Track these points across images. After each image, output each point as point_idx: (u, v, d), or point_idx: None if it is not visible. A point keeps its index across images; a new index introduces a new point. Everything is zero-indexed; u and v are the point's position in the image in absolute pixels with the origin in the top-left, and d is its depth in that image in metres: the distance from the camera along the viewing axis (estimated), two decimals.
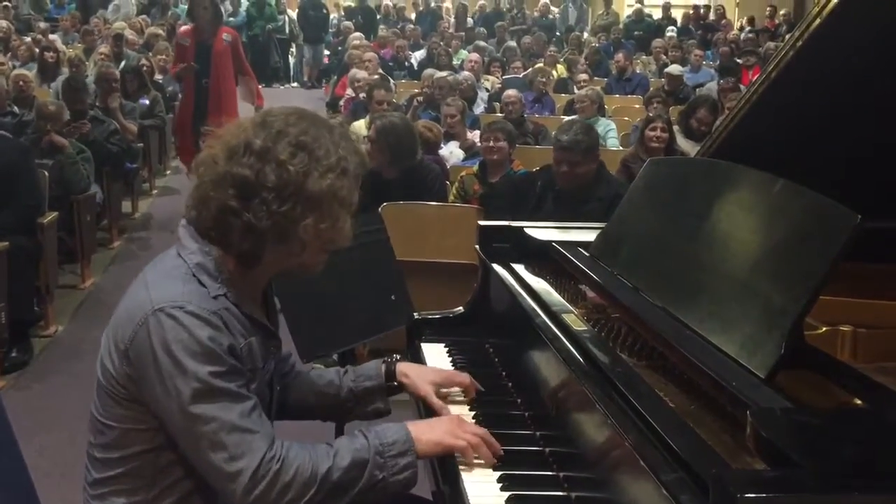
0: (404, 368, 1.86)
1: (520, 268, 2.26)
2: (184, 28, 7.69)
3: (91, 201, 5.55)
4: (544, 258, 2.25)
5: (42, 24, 11.80)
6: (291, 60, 15.26)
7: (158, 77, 8.87)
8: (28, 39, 10.37)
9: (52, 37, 10.70)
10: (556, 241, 2.24)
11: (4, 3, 12.79)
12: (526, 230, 2.42)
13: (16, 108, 6.32)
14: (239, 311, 1.52)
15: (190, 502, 1.54)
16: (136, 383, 1.47)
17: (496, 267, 2.30)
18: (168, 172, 8.69)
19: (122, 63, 9.08)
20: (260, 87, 16.19)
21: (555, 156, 4.00)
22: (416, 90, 8.16)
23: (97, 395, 1.55)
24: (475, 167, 4.91)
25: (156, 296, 1.46)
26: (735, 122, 1.99)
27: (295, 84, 14.97)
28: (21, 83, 6.88)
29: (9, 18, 11.79)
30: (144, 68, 8.23)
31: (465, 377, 1.90)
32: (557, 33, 14.24)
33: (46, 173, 4.86)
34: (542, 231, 2.42)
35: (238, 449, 1.43)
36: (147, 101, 7.95)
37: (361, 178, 1.57)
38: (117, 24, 11.62)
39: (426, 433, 1.59)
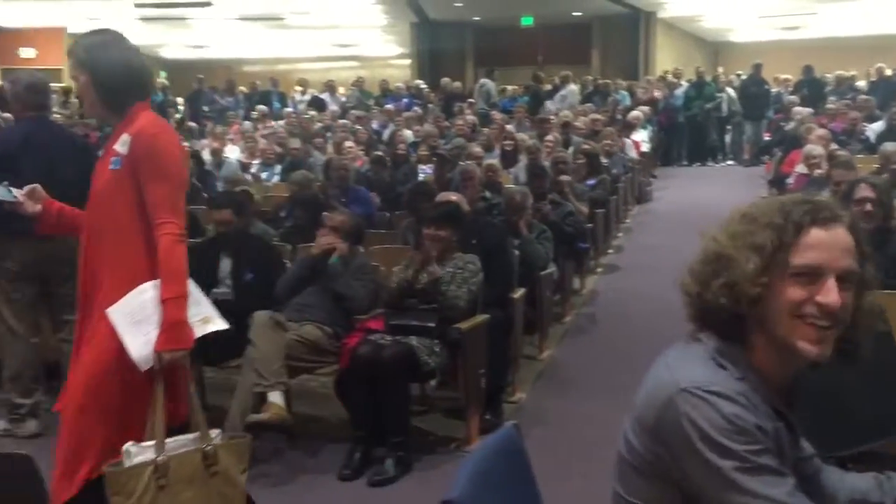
0: None
1: None
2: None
3: (550, 278, 5.95)
4: None
5: (498, 116, 13.15)
6: (727, 138, 15.09)
7: (605, 160, 9.34)
8: (486, 130, 11.64)
9: (508, 127, 11.85)
10: None
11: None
12: None
13: (487, 193, 7.07)
14: (760, 397, 1.50)
15: None
16: (667, 462, 1.50)
17: None
18: (610, 251, 9.00)
19: (570, 148, 9.76)
20: (695, 164, 16.10)
21: None
22: (876, 165, 7.46)
23: (619, 470, 1.60)
24: None
25: (679, 377, 1.50)
26: None
27: (731, 161, 14.73)
28: (490, 172, 7.70)
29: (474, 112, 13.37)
30: (591, 153, 8.74)
31: None
32: None
33: (517, 252, 5.33)
34: None
35: None
36: (593, 183, 8.42)
37: None
38: (564, 113, 12.53)
39: None
